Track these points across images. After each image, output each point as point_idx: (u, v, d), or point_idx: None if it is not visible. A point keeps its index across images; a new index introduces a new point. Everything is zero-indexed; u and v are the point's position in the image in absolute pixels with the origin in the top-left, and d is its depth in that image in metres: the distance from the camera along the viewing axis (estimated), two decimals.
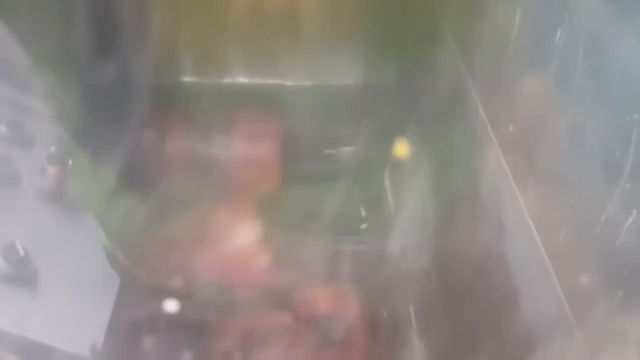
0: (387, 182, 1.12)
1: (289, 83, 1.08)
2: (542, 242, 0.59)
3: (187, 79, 1.06)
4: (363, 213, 1.05)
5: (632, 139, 0.48)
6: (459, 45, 0.84)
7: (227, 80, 1.06)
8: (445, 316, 0.77)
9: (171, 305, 0.61)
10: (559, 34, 0.59)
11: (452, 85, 0.83)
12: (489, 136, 0.71)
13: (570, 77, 0.57)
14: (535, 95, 0.64)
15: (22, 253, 0.52)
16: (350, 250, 0.96)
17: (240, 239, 0.86)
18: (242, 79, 1.07)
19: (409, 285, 0.93)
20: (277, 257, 0.88)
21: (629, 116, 0.49)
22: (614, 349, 0.48)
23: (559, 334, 0.55)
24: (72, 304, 0.52)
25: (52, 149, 0.61)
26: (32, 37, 0.64)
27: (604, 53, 0.53)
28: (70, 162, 0.60)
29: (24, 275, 0.52)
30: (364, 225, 0.91)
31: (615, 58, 0.52)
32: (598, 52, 0.54)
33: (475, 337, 0.68)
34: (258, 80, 1.07)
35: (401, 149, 0.62)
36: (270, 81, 1.07)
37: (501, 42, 0.69)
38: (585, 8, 0.56)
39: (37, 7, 0.68)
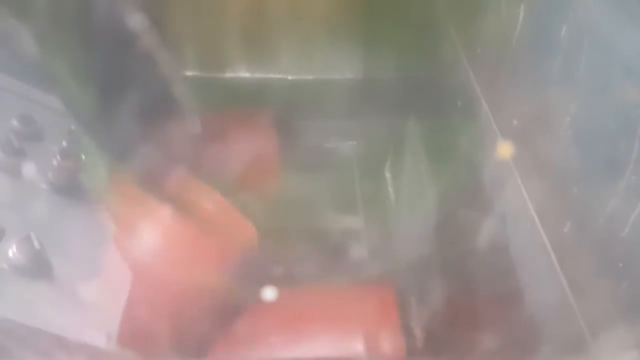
0: (387, 175, 1.12)
1: (290, 77, 1.08)
2: (546, 235, 0.60)
3: (189, 73, 1.06)
4: (363, 206, 1.06)
5: (637, 133, 0.48)
6: (461, 39, 0.85)
7: (229, 74, 1.07)
8: (447, 308, 0.78)
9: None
10: (564, 30, 0.60)
11: (454, 78, 0.84)
12: (492, 130, 0.72)
13: (575, 71, 0.57)
14: (539, 89, 0.64)
15: (37, 246, 0.52)
16: (351, 243, 0.96)
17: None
18: (244, 74, 1.07)
19: (411, 277, 0.94)
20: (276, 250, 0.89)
21: (634, 110, 0.50)
22: (617, 340, 0.48)
23: (563, 325, 0.55)
24: (87, 295, 0.53)
25: (64, 143, 0.61)
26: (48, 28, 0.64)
27: (609, 48, 0.54)
28: (83, 156, 0.60)
29: (39, 268, 0.52)
30: None
31: (620, 53, 0.53)
32: (603, 48, 0.55)
33: (477, 328, 0.69)
34: (259, 75, 1.08)
35: (504, 150, 0.63)
36: (272, 75, 1.08)
37: (505, 37, 0.70)
38: (589, 3, 0.57)
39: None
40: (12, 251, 0.52)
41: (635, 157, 0.49)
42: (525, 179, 0.65)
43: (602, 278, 0.52)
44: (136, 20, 0.74)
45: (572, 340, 0.54)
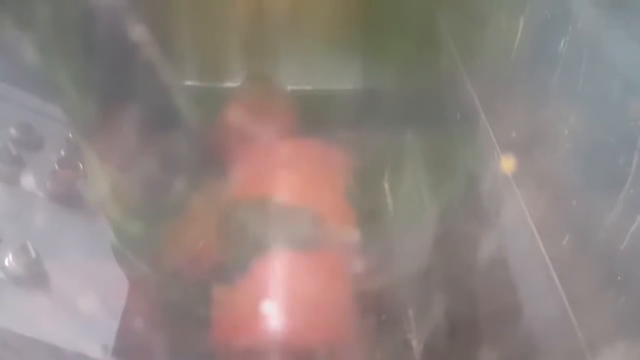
0: (386, 186, 1.12)
1: (288, 88, 1.09)
2: (544, 248, 0.59)
3: (188, 83, 1.06)
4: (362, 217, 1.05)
5: (636, 145, 0.48)
6: (460, 52, 0.85)
7: (228, 84, 1.07)
8: (444, 320, 0.78)
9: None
10: (562, 43, 0.60)
11: (453, 90, 0.84)
12: (490, 142, 0.72)
13: (574, 84, 0.57)
14: (538, 101, 0.64)
15: (33, 255, 0.52)
16: (349, 253, 0.96)
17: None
18: None
19: (408, 289, 0.94)
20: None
21: (633, 123, 0.50)
22: (617, 354, 0.48)
23: (562, 339, 0.55)
24: (83, 305, 0.53)
25: (62, 152, 0.61)
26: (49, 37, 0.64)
27: (608, 61, 0.54)
28: (81, 165, 0.60)
29: (35, 277, 0.52)
30: None
31: (620, 66, 0.53)
32: (602, 60, 0.55)
33: (475, 342, 0.69)
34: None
35: (507, 164, 0.63)
36: None
37: (504, 49, 0.70)
38: (589, 17, 0.57)
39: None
40: (8, 260, 0.52)
41: (635, 170, 0.49)
42: (524, 191, 0.64)
43: (601, 291, 0.52)
44: (137, 31, 0.75)
45: (571, 355, 0.53)
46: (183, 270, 0.69)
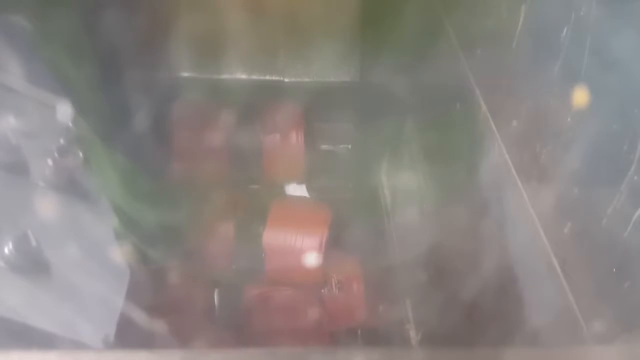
0: (383, 178, 1.12)
1: (286, 79, 1.08)
2: (546, 236, 0.59)
3: (185, 74, 1.06)
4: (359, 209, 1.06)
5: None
6: (460, 41, 0.84)
7: (225, 76, 1.07)
8: (443, 310, 0.78)
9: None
10: (565, 31, 0.60)
11: (453, 80, 0.84)
12: (491, 131, 0.72)
13: (577, 72, 0.57)
14: (540, 90, 0.64)
15: (34, 243, 0.52)
16: (347, 245, 0.96)
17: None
18: (241, 75, 1.07)
19: (406, 279, 0.94)
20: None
21: (637, 110, 0.49)
22: (621, 342, 0.48)
23: (565, 328, 0.55)
24: (84, 294, 0.52)
25: (62, 140, 0.60)
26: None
27: (612, 49, 0.54)
28: (81, 153, 0.60)
29: (36, 266, 0.52)
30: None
31: (623, 54, 0.52)
32: (605, 48, 0.55)
33: (474, 332, 0.68)
34: (256, 77, 1.08)
35: (580, 96, 0.60)
36: (269, 77, 1.08)
37: (505, 38, 0.69)
38: (591, 4, 0.57)
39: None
40: (9, 249, 0.51)
41: (639, 158, 0.48)
42: (525, 180, 0.64)
43: (603, 278, 0.52)
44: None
45: (573, 342, 0.53)
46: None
